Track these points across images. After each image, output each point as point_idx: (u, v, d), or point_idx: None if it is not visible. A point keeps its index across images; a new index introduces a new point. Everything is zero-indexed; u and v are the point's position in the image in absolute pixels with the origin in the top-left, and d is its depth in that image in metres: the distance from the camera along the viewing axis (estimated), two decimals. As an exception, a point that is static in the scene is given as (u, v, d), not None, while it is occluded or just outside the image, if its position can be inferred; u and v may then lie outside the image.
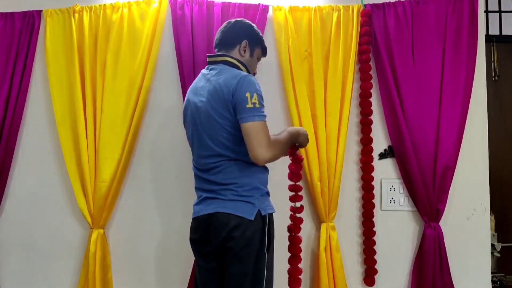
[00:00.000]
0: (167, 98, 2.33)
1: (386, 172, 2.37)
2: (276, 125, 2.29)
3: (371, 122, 2.34)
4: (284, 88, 2.31)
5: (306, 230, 2.34)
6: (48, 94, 2.33)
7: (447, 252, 2.27)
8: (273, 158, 1.69)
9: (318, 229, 2.31)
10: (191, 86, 1.89)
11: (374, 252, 2.31)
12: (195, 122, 1.79)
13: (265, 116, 1.68)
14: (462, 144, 2.29)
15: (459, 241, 2.32)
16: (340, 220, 2.32)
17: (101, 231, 2.26)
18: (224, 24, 1.90)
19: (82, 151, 2.25)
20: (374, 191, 2.33)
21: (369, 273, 2.31)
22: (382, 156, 2.37)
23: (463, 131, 2.29)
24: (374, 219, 2.32)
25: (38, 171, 2.37)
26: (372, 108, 2.34)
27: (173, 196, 2.32)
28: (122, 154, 2.25)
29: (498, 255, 2.82)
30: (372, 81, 2.34)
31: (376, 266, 2.31)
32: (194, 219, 1.82)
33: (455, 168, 2.28)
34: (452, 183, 2.28)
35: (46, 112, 2.36)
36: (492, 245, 2.69)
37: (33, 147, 2.37)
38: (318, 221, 2.31)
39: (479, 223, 2.34)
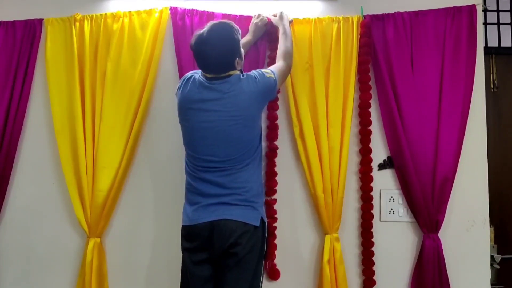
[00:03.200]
0: (167, 108, 2.32)
1: (385, 183, 2.36)
2: (278, 136, 2.30)
3: (370, 132, 2.34)
4: (286, 99, 2.31)
5: (310, 242, 2.33)
6: (49, 103, 2.33)
7: (446, 263, 2.25)
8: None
9: (322, 241, 2.29)
10: (188, 90, 1.89)
11: (373, 263, 2.29)
12: (205, 131, 1.82)
13: (271, 72, 1.96)
14: (461, 155, 2.28)
15: (458, 253, 2.31)
16: (339, 231, 2.30)
17: (98, 240, 2.25)
18: (205, 40, 1.83)
19: (80, 160, 2.25)
20: (373, 202, 2.32)
21: (368, 284, 2.29)
22: (381, 166, 2.37)
23: (462, 142, 2.28)
24: (373, 230, 2.31)
25: (37, 180, 2.36)
26: (371, 118, 2.34)
27: (171, 206, 2.29)
28: (121, 163, 2.25)
29: (498, 267, 2.81)
30: (371, 91, 2.34)
31: (374, 277, 2.29)
32: (190, 226, 1.81)
33: (454, 179, 2.27)
34: (451, 194, 2.27)
35: (46, 121, 2.36)
36: (492, 256, 2.69)
37: (33, 156, 2.37)
38: (322, 232, 2.30)
39: (479, 235, 2.32)
